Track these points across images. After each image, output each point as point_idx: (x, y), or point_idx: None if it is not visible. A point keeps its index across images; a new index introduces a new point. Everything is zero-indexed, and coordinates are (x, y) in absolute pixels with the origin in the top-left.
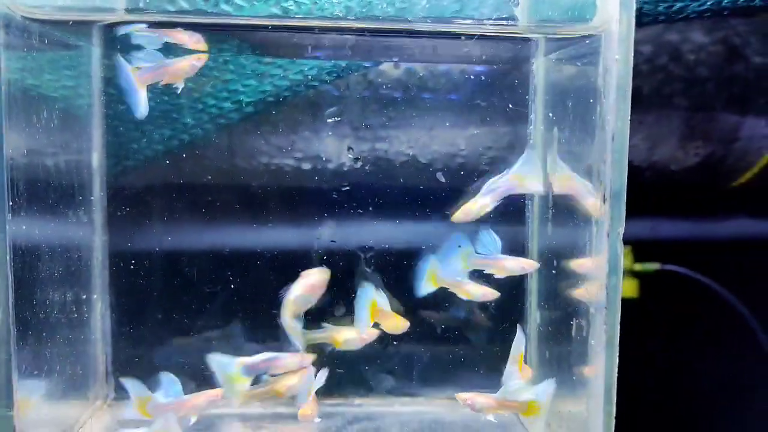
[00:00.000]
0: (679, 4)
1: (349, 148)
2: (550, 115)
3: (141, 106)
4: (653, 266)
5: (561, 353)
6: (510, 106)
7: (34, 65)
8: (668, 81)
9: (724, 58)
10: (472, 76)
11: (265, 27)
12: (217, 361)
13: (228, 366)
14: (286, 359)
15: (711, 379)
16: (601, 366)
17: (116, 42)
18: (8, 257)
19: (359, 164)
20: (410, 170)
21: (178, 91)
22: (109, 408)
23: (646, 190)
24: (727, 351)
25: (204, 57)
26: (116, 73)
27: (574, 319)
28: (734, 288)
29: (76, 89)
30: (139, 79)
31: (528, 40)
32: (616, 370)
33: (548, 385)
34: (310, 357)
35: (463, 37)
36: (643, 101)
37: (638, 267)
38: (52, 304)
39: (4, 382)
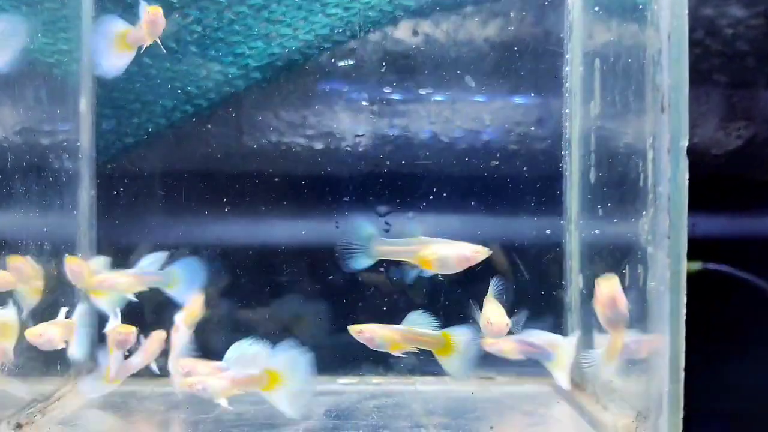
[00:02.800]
0: None
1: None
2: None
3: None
4: (695, 266)
5: None
6: None
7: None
8: (706, 56)
9: (764, 32)
10: None
11: None
12: None
13: None
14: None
15: (757, 379)
16: (665, 312)
17: None
18: None
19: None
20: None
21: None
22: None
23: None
24: None
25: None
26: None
27: (627, 266)
28: None
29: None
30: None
31: None
32: (684, 316)
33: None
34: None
35: None
36: None
37: None
38: None
39: None
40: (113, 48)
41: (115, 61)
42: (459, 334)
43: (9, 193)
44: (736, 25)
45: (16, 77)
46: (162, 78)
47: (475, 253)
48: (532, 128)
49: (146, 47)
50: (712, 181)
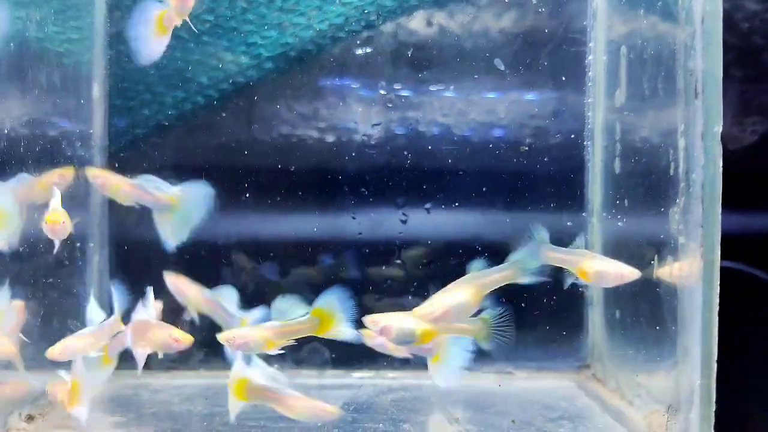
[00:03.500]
0: None
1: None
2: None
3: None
4: None
5: (638, 307)
6: None
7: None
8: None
9: None
10: None
11: None
12: None
13: None
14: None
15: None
16: (697, 303)
17: None
18: None
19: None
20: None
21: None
22: None
23: None
24: None
25: None
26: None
27: (655, 257)
28: None
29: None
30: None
31: None
32: (717, 308)
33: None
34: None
35: None
36: None
37: None
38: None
39: None
40: (152, 34)
41: (154, 46)
42: (329, 303)
43: None
44: (752, 19)
45: (27, 66)
46: (173, 68)
47: (631, 273)
48: (553, 119)
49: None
50: (726, 177)
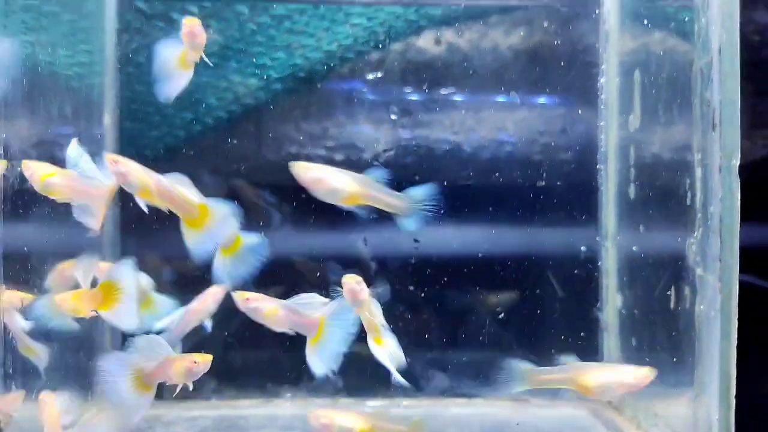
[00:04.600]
0: None
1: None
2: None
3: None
4: None
5: (654, 336)
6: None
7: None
8: None
9: None
10: None
11: None
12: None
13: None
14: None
15: None
16: (715, 336)
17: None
18: None
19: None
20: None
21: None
22: None
23: None
24: None
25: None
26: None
27: (672, 288)
28: None
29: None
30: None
31: None
32: (735, 341)
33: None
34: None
35: None
36: None
37: None
38: None
39: None
40: (175, 71)
41: (178, 82)
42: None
43: (34, 204)
44: (764, 32)
45: (37, 89)
46: (182, 90)
47: (641, 378)
48: (566, 141)
49: None
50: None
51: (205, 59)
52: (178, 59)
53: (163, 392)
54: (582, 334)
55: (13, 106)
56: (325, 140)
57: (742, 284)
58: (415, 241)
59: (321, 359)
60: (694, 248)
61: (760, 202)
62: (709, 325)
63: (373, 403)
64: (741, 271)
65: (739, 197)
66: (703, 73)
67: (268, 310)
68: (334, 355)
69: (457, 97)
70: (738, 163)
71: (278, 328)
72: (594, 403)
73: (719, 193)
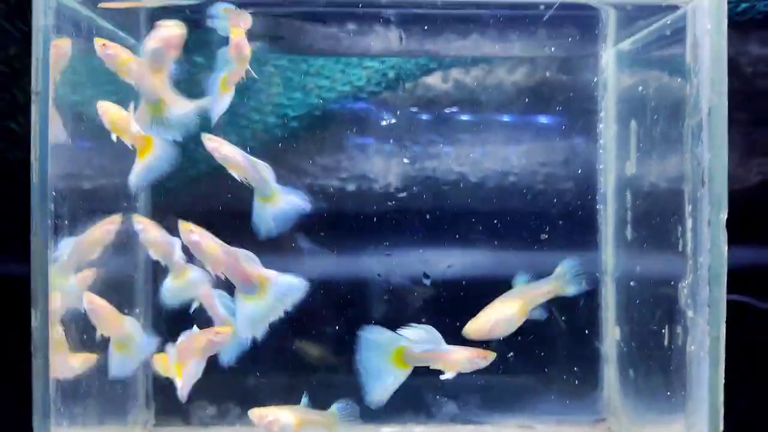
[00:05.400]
0: (744, 5)
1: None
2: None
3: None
4: None
5: (650, 369)
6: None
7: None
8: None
9: None
10: None
11: None
12: None
13: None
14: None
15: None
16: (704, 375)
17: None
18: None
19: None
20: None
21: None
22: None
23: None
24: None
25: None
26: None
27: (666, 327)
28: None
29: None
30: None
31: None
32: (723, 380)
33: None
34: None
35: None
36: None
37: None
38: None
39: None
40: (218, 95)
41: (221, 105)
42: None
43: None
44: (756, 64)
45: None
46: (203, 127)
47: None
48: (567, 182)
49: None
50: (731, 217)
51: (252, 73)
52: (220, 84)
53: (189, 417)
54: (585, 365)
55: None
56: (338, 171)
57: (738, 304)
58: (425, 276)
59: (252, 323)
60: (686, 291)
61: (754, 227)
62: (698, 365)
63: (387, 429)
64: (736, 291)
65: (726, 248)
66: (693, 132)
67: (208, 247)
68: (264, 322)
69: (463, 137)
70: (725, 217)
71: (215, 271)
72: (594, 428)
73: (708, 245)
